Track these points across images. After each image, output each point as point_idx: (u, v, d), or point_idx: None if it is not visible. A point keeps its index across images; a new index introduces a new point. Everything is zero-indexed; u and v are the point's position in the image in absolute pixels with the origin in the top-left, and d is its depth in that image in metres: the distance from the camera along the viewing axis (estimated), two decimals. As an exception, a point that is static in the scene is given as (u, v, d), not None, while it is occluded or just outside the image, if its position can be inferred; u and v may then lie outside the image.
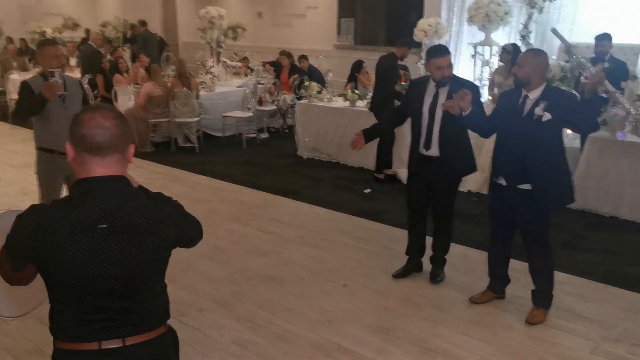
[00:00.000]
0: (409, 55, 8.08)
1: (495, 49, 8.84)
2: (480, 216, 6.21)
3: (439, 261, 5.04)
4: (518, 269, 4.76)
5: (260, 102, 10.71)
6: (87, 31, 17.36)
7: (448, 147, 4.69)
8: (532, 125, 4.05)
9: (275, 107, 11.02)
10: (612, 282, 4.96)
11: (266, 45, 15.50)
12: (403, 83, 7.92)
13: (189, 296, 4.74)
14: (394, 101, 7.56)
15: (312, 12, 14.74)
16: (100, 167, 1.98)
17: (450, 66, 4.60)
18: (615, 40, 7.57)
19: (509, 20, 8.90)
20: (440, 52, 4.60)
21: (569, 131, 6.45)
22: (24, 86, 4.75)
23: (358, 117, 8.52)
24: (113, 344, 2.02)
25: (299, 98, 9.99)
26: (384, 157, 7.96)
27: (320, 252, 5.64)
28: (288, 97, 10.95)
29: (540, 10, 9.09)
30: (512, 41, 8.93)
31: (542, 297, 4.39)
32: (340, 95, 9.43)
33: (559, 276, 4.86)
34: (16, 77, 12.40)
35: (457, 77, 4.77)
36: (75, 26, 17.18)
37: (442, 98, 4.61)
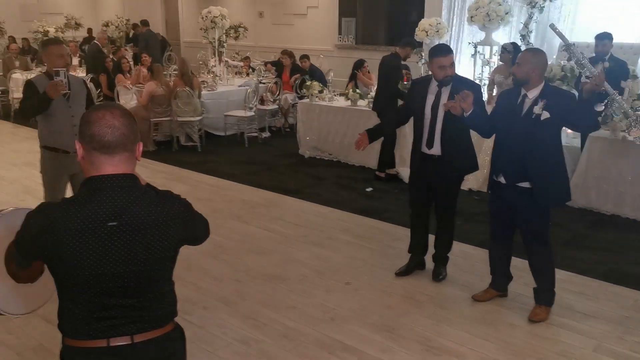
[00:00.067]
0: (411, 55, 8.10)
1: (495, 48, 8.86)
2: (482, 215, 6.23)
3: (441, 259, 5.06)
4: (520, 267, 4.78)
5: (262, 101, 10.74)
6: (90, 30, 17.39)
7: (450, 146, 4.70)
8: (531, 124, 4.07)
9: (276, 107, 11.04)
10: (613, 281, 4.98)
11: (267, 45, 15.52)
12: (405, 82, 7.94)
13: (193, 294, 4.76)
14: (397, 101, 7.58)
15: (313, 12, 14.76)
16: (110, 166, 2.00)
17: (452, 65, 4.62)
18: (615, 39, 7.58)
19: (509, 20, 8.92)
20: (443, 51, 4.62)
21: (569, 130, 6.48)
22: (29, 85, 4.76)
23: (359, 116, 8.55)
24: (122, 342, 2.04)
25: (301, 97, 10.01)
26: (386, 157, 7.98)
27: (323, 250, 5.66)
28: (289, 97, 10.97)
29: (541, 10, 9.11)
30: (513, 40, 8.95)
31: (544, 295, 4.41)
32: (341, 94, 9.45)
33: (560, 274, 4.89)
34: (19, 76, 12.44)
35: (459, 77, 4.79)
36: (77, 26, 17.20)
37: (444, 97, 4.63)
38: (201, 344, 4.07)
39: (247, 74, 12.27)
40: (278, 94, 11.06)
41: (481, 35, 9.25)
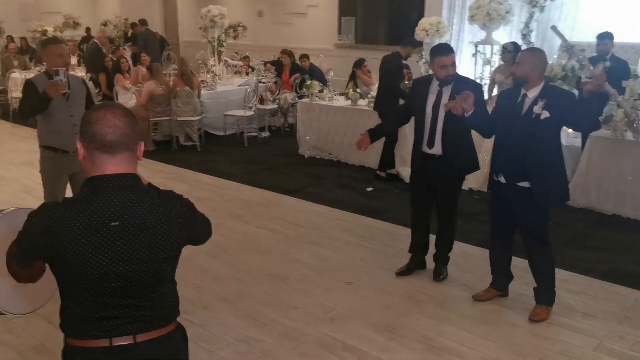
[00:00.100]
0: (412, 54, 8.11)
1: (496, 47, 8.85)
2: (483, 214, 6.22)
3: (442, 259, 5.05)
4: (520, 267, 4.77)
5: (262, 100, 10.73)
6: (88, 30, 17.38)
7: (451, 146, 4.70)
8: (531, 123, 4.07)
9: (276, 106, 11.04)
10: (614, 280, 4.98)
11: (267, 44, 15.52)
12: (406, 82, 7.94)
13: (194, 294, 4.75)
14: (398, 100, 7.57)
15: (312, 11, 14.76)
16: (112, 165, 2.00)
17: (454, 64, 4.61)
18: (616, 39, 7.58)
19: (510, 19, 8.91)
20: (445, 50, 4.62)
21: (570, 130, 6.49)
22: (28, 85, 4.75)
23: (360, 115, 8.55)
24: (124, 341, 2.03)
25: (300, 97, 10.01)
26: (387, 157, 7.97)
27: (324, 250, 5.65)
28: (289, 96, 10.97)
29: (542, 9, 9.12)
30: (514, 40, 8.95)
31: (545, 295, 4.40)
32: (341, 94, 9.45)
33: (561, 274, 4.89)
34: (17, 76, 12.43)
35: (461, 76, 4.79)
36: (75, 25, 17.19)
37: (445, 96, 4.62)
38: (202, 344, 4.06)
39: (247, 74, 12.26)
40: (278, 94, 11.05)
41: (482, 35, 9.23)
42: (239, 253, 5.59)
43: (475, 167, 4.98)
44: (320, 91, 9.16)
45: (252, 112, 10.20)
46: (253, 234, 6.08)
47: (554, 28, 4.87)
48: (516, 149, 4.13)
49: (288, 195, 7.34)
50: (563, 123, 4.20)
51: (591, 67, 4.55)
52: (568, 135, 7.53)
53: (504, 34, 9.74)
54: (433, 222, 5.06)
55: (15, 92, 12.19)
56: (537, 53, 4.27)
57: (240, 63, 12.67)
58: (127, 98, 10.37)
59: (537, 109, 4.04)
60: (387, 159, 8.00)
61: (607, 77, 4.34)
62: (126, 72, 11.08)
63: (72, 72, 6.69)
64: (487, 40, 9.02)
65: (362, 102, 8.72)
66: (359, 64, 10.09)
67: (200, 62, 12.33)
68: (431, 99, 4.71)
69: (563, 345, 4.05)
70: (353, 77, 10.07)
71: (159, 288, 2.09)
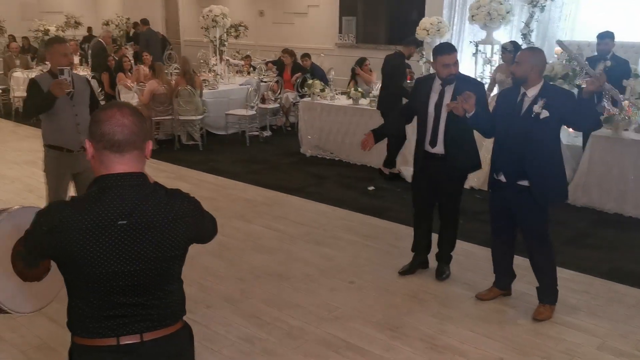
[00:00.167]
0: (414, 54, 8.12)
1: (496, 47, 8.87)
2: (485, 213, 6.20)
3: (444, 258, 5.06)
4: (523, 266, 4.77)
5: (263, 100, 10.74)
6: (90, 29, 17.39)
7: (453, 145, 4.71)
8: (531, 122, 4.08)
9: (277, 105, 11.05)
10: (617, 279, 4.99)
11: (268, 44, 15.53)
12: (409, 81, 7.95)
13: (197, 293, 4.75)
14: (401, 99, 7.57)
15: (313, 11, 14.76)
16: (120, 164, 2.01)
17: (456, 64, 4.62)
18: (617, 38, 7.59)
19: (510, 19, 8.92)
20: (448, 49, 4.62)
21: (571, 129, 6.49)
22: (33, 84, 4.76)
23: (361, 115, 8.56)
24: (131, 340, 2.04)
25: (302, 96, 10.02)
26: (393, 155, 7.96)
27: (326, 249, 5.66)
28: (290, 95, 10.97)
29: (542, 9, 9.13)
30: (514, 40, 8.96)
31: (547, 294, 4.41)
32: (343, 93, 9.46)
33: (564, 273, 4.91)
34: (19, 75, 12.45)
35: (463, 75, 4.80)
36: (77, 24, 17.20)
37: (448, 96, 4.63)
38: (205, 343, 4.07)
39: (248, 73, 12.27)
40: (279, 93, 11.06)
41: (482, 34, 9.25)
42: (242, 252, 5.61)
43: (477, 166, 4.99)
44: (322, 90, 9.17)
45: (253, 112, 10.21)
46: (256, 233, 6.09)
47: (559, 42, 4.90)
48: (516, 148, 4.15)
49: (290, 195, 7.35)
50: (563, 122, 4.21)
51: (590, 75, 4.55)
52: (569, 135, 7.54)
53: (505, 34, 9.76)
54: (435, 221, 5.06)
55: (18, 92, 12.23)
56: (536, 52, 4.29)
57: (242, 62, 12.69)
58: (129, 97, 10.38)
59: (536, 108, 4.06)
60: (394, 156, 7.98)
61: (608, 77, 4.34)
62: (128, 71, 11.10)
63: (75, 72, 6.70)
64: (488, 40, 9.04)
65: (364, 102, 8.72)
66: (361, 62, 10.10)
67: (202, 61, 12.33)
68: (433, 98, 4.72)
69: (566, 345, 4.06)
70: (353, 76, 10.08)
71: (166, 287, 2.10)
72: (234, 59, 12.75)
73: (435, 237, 5.12)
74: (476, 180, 7.29)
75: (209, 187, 7.69)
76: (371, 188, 7.59)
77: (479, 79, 8.35)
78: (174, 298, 2.15)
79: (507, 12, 8.67)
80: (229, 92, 10.88)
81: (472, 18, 8.91)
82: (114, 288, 2.00)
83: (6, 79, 13.06)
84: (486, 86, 8.29)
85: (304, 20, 14.99)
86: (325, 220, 6.44)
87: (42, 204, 4.44)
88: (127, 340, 2.04)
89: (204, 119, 9.93)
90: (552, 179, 4.20)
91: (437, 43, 8.32)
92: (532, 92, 4.13)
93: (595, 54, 7.59)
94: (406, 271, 5.11)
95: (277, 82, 11.20)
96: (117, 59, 11.78)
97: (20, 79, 12.30)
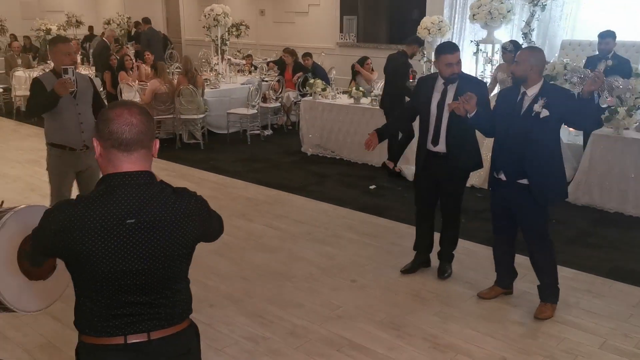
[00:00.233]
0: (417, 53, 8.14)
1: (497, 46, 8.88)
2: (486, 212, 6.21)
3: (446, 257, 5.07)
4: (525, 265, 4.78)
5: (264, 99, 10.75)
6: (91, 28, 17.40)
7: (455, 144, 4.72)
8: (531, 122, 4.09)
9: (279, 104, 11.06)
10: (618, 278, 5.00)
11: (268, 43, 15.54)
12: (411, 80, 7.96)
13: (200, 292, 4.75)
14: (404, 98, 7.58)
15: (314, 10, 14.76)
16: (128, 163, 2.01)
17: (459, 63, 4.63)
18: (618, 37, 7.60)
19: (511, 18, 8.94)
20: (450, 48, 4.63)
21: (572, 129, 6.51)
22: (36, 83, 4.77)
23: (362, 113, 8.57)
24: (139, 338, 2.05)
25: (303, 95, 10.03)
26: (400, 150, 7.95)
27: (329, 248, 5.68)
28: (292, 95, 10.98)
29: (543, 8, 9.14)
30: (515, 39, 8.97)
31: (548, 292, 4.42)
32: (344, 92, 9.47)
33: (565, 272, 4.92)
34: (21, 74, 12.47)
35: (465, 74, 4.81)
36: (78, 23, 17.21)
37: (450, 95, 4.64)
38: (209, 342, 4.07)
39: (250, 72, 12.28)
40: (280, 92, 11.07)
41: (483, 33, 9.27)
42: (244, 251, 5.62)
43: (478, 165, 5.00)
44: (323, 89, 9.18)
45: (255, 111, 10.22)
46: (258, 231, 6.11)
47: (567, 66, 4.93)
48: (516, 148, 4.16)
49: (292, 193, 7.36)
50: (563, 121, 4.22)
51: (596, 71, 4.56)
52: (570, 133, 7.56)
53: (505, 33, 9.79)
54: (437, 220, 5.08)
55: (19, 91, 12.24)
56: (535, 52, 4.30)
57: (243, 62, 12.70)
58: (131, 96, 10.38)
59: (536, 107, 4.07)
60: (400, 152, 7.96)
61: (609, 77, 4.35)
62: (130, 70, 11.11)
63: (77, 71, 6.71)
64: (489, 39, 9.06)
65: (365, 101, 8.73)
66: (362, 61, 10.12)
67: (203, 60, 12.34)
68: (436, 97, 4.73)
69: (568, 344, 4.07)
70: (354, 75, 10.10)
71: (174, 285, 2.11)
72: (236, 59, 12.76)
73: (437, 235, 5.13)
74: (477, 178, 7.30)
75: (210, 186, 7.70)
76: (372, 187, 7.60)
77: (479, 78, 8.39)
78: (181, 297, 2.16)
79: (508, 11, 8.69)
80: (231, 91, 10.90)
81: (473, 17, 8.93)
82: (121, 287, 2.01)
83: (8, 78, 13.08)
84: (487, 86, 8.35)
85: (305, 19, 15.00)
86: (327, 219, 6.45)
87: (45, 202, 4.46)
88: (134, 339, 2.05)
89: (205, 118, 9.95)
90: (552, 178, 4.21)
91: (438, 42, 8.34)
92: (532, 91, 4.14)
93: (597, 53, 7.60)
94: (408, 270, 5.12)
95: (278, 81, 11.21)
96: (118, 58, 11.79)
97: (21, 78, 12.32)
